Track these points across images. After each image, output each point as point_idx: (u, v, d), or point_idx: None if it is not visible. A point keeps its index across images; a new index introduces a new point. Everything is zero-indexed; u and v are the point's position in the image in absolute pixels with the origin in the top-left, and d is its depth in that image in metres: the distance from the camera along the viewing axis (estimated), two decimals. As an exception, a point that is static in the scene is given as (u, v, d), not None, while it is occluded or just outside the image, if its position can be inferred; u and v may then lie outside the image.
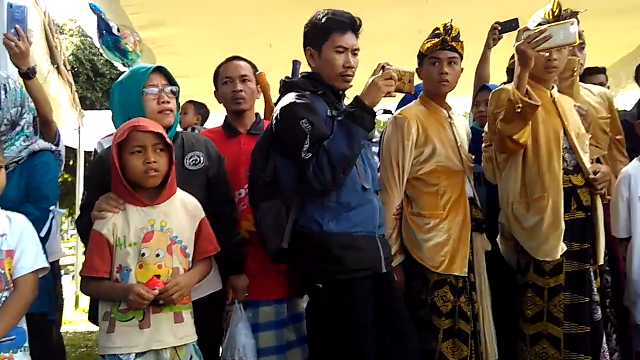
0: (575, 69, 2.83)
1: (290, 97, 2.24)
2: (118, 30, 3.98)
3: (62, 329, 5.73)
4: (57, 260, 2.85)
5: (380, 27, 4.29)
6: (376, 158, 2.86)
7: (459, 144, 2.68)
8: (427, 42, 2.69)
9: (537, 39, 2.31)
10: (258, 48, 4.53)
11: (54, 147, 2.54)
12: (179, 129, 2.43)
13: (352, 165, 2.20)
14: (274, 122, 2.27)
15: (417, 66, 2.74)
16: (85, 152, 7.07)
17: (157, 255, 2.00)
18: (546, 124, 2.53)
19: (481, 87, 3.32)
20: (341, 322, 2.17)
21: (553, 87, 2.65)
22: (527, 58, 2.34)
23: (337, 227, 2.19)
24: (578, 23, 2.58)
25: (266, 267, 2.48)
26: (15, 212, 1.98)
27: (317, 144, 2.14)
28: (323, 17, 2.29)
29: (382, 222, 2.37)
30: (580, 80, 3.40)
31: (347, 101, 2.34)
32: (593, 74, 3.71)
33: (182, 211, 2.11)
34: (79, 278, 2.22)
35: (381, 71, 2.21)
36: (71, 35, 13.50)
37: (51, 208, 2.37)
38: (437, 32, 2.67)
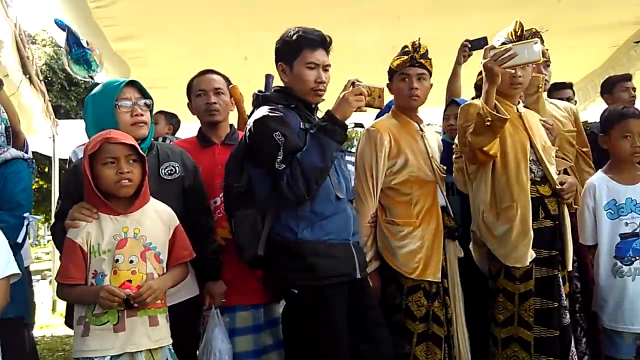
0: (540, 85, 2.92)
1: (263, 110, 2.27)
2: (87, 43, 3.99)
3: (40, 333, 5.79)
4: (28, 266, 2.88)
5: (355, 42, 4.38)
6: (351, 168, 2.90)
7: (430, 155, 2.74)
8: (397, 59, 2.76)
9: (503, 56, 2.38)
10: (234, 60, 4.58)
11: (26, 155, 2.54)
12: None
13: (325, 176, 2.24)
14: (248, 134, 2.29)
15: (388, 82, 2.81)
16: (61, 160, 7.07)
17: (131, 261, 2.02)
18: (513, 138, 2.61)
19: (450, 102, 3.40)
20: (316, 327, 2.20)
21: (519, 103, 2.74)
22: (494, 75, 2.41)
23: (311, 235, 2.23)
24: (542, 42, 2.69)
25: (243, 273, 2.50)
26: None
27: (291, 156, 2.17)
28: (294, 34, 2.33)
29: (356, 230, 2.41)
30: (548, 95, 3.51)
31: (320, 114, 2.38)
32: (560, 89, 3.82)
33: (155, 219, 2.12)
34: (56, 283, 2.23)
35: (351, 87, 2.26)
36: (44, 46, 13.40)
37: (25, 215, 2.37)
38: (406, 49, 2.75)
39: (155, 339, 2.02)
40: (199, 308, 2.50)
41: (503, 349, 2.56)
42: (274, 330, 2.63)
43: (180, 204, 2.34)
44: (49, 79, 11.59)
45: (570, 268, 2.66)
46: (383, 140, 2.68)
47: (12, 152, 2.45)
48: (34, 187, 2.68)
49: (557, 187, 2.62)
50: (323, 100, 2.40)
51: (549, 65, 3.21)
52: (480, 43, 3.29)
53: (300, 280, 2.22)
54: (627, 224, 2.62)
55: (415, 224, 2.63)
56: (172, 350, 2.10)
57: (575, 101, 4.01)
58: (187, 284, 2.28)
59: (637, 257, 2.59)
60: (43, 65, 11.24)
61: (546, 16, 4.13)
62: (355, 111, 2.26)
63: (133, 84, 2.30)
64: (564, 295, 2.57)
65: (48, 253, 12.03)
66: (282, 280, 2.29)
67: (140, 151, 2.09)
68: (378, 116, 3.09)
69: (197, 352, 2.50)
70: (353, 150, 3.05)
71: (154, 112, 2.43)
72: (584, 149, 3.12)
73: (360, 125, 2.71)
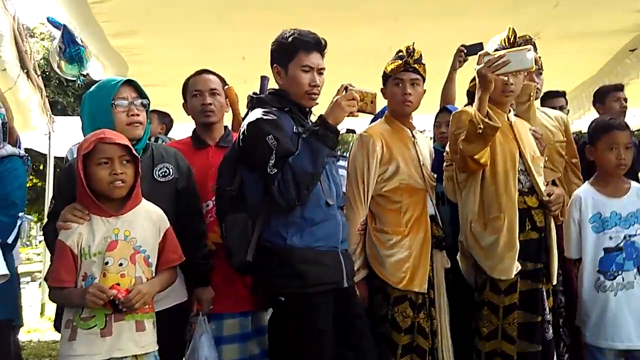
0: (532, 93, 2.91)
1: (257, 113, 2.27)
2: (81, 40, 4.00)
3: (27, 338, 5.65)
4: (16, 267, 2.84)
5: (352, 45, 4.39)
6: (343, 173, 2.91)
7: (421, 163, 2.75)
8: (391, 63, 2.76)
9: (497, 63, 2.39)
10: (231, 60, 4.58)
11: (22, 153, 2.54)
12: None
13: (316, 182, 2.24)
14: (241, 137, 2.30)
15: (382, 86, 2.81)
16: (56, 158, 6.97)
17: (120, 264, 2.02)
18: (503, 147, 2.61)
19: (441, 108, 3.39)
20: (300, 335, 2.21)
21: (510, 111, 2.74)
22: (488, 81, 2.41)
23: (300, 242, 2.23)
24: (535, 50, 2.70)
25: (231, 279, 2.50)
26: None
27: (283, 160, 2.18)
28: (289, 36, 2.33)
29: (345, 237, 2.41)
30: (541, 103, 3.52)
31: (313, 118, 2.39)
32: (553, 97, 3.83)
33: (146, 221, 2.13)
34: (46, 285, 2.23)
35: (344, 91, 2.27)
36: (42, 39, 13.27)
37: (19, 214, 2.37)
38: (400, 54, 2.75)
39: (142, 344, 2.03)
40: (186, 314, 2.48)
41: (486, 362, 2.55)
42: (262, 339, 2.60)
43: (172, 206, 2.33)
44: (47, 73, 11.50)
45: (554, 282, 2.67)
46: (375, 146, 2.68)
47: (9, 149, 2.44)
48: (27, 185, 2.68)
49: (544, 198, 2.62)
50: (317, 104, 2.40)
51: (541, 73, 3.21)
52: (476, 48, 3.28)
53: (288, 288, 2.22)
54: (611, 237, 2.59)
55: (404, 233, 2.63)
56: (158, 357, 2.10)
57: (568, 110, 4.02)
58: (175, 290, 2.27)
59: (620, 272, 2.56)
60: (41, 59, 11.15)
61: (543, 21, 4.14)
62: (348, 116, 2.26)
63: (130, 83, 2.30)
64: (547, 310, 2.57)
65: (39, 254, 11.76)
66: (270, 287, 2.29)
67: (134, 152, 2.10)
68: (373, 121, 3.09)
69: (183, 359, 2.47)
70: (346, 155, 3.04)
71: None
72: (573, 160, 3.12)
73: (353, 131, 2.72)
